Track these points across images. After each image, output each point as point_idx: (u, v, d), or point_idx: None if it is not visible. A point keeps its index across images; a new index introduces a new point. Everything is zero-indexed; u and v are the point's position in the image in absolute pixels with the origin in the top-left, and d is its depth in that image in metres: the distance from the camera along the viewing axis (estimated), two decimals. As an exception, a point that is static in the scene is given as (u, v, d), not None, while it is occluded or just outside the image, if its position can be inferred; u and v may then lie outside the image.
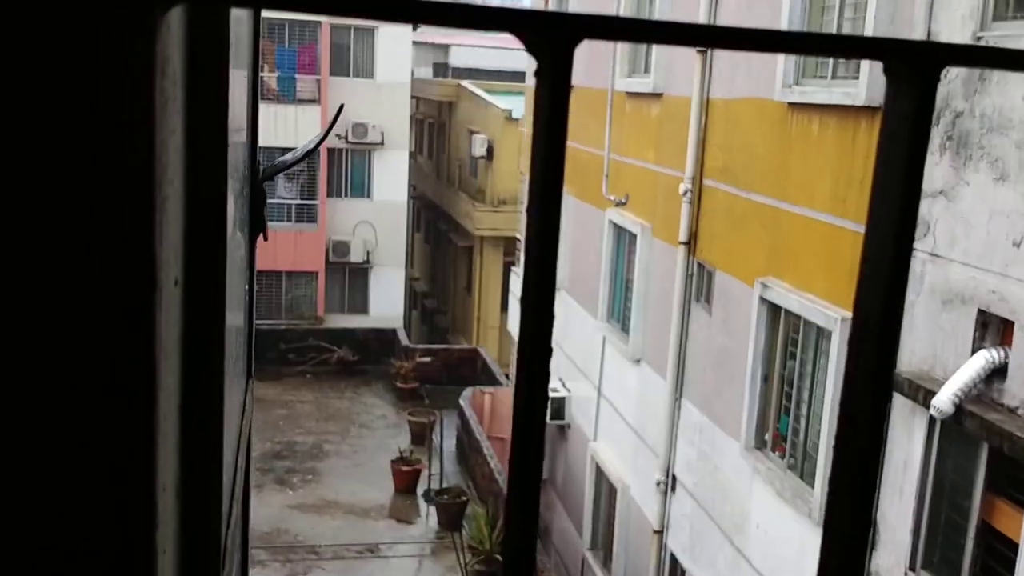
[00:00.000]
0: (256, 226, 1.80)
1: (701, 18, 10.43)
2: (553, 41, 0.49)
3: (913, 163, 0.56)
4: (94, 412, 0.46)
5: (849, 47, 0.55)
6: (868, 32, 7.56)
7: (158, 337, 0.49)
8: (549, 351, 0.53)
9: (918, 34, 6.97)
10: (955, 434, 6.58)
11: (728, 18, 10.11)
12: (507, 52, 36.27)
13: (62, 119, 0.44)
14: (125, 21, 0.43)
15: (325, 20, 25.73)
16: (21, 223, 0.45)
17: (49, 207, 0.45)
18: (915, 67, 0.55)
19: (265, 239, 1.91)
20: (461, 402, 19.86)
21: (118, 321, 0.46)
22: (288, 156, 2.91)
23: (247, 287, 1.87)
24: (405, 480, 18.12)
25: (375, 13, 0.48)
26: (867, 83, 7.49)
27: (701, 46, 0.53)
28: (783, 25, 8.78)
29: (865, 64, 7.56)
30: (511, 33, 0.51)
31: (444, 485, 17.61)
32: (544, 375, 0.52)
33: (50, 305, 0.45)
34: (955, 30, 6.64)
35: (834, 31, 8.33)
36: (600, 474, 13.54)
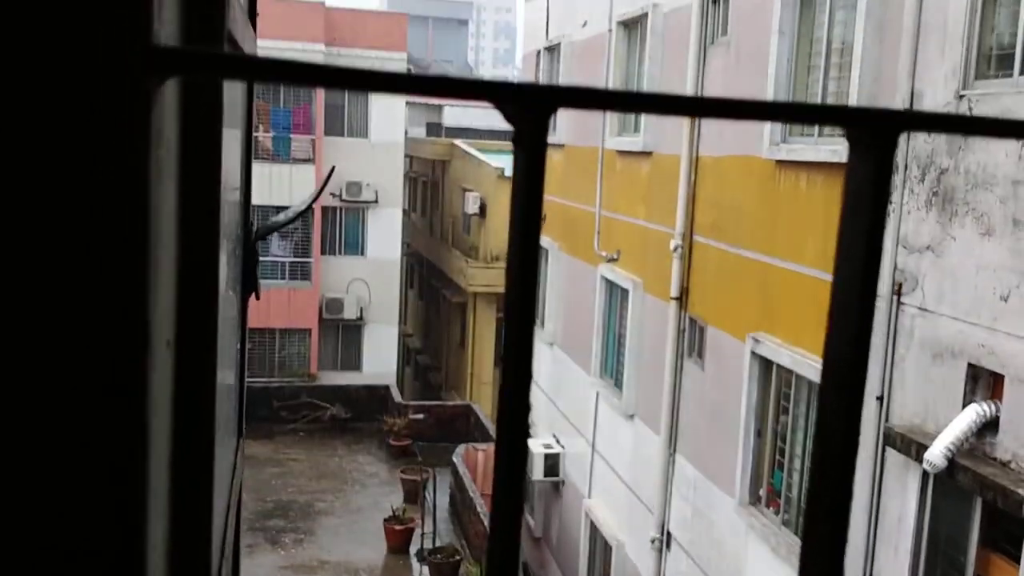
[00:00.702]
0: (249, 285, 1.82)
1: (689, 76, 10.61)
2: (529, 110, 0.51)
3: (874, 224, 0.59)
4: (80, 471, 0.48)
5: (811, 114, 0.58)
6: (853, 91, 7.70)
7: (148, 399, 0.50)
8: (528, 408, 0.55)
9: (902, 93, 7.10)
10: (949, 488, 6.55)
11: (716, 78, 10.29)
12: (499, 112, 36.77)
13: (56, 188, 0.46)
14: (121, 94, 0.46)
15: (319, 80, 26.04)
16: (13, 287, 0.47)
17: (42, 273, 0.47)
18: (874, 133, 0.57)
19: (257, 298, 1.93)
20: (454, 459, 19.71)
21: (108, 384, 0.48)
22: (281, 216, 2.95)
23: (239, 346, 1.88)
24: (398, 539, 17.89)
25: (360, 86, 0.51)
26: (853, 140, 7.59)
27: (671, 114, 0.55)
28: (770, 84, 8.93)
29: (851, 122, 7.67)
30: (489, 103, 0.53)
31: (437, 544, 17.39)
32: (524, 432, 0.54)
33: (43, 367, 0.47)
34: (938, 89, 6.76)
35: (819, 90, 8.47)
36: (595, 531, 13.40)
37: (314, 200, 2.91)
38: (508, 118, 0.54)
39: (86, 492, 0.49)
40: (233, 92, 1.69)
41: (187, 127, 0.70)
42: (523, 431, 0.56)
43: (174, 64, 0.49)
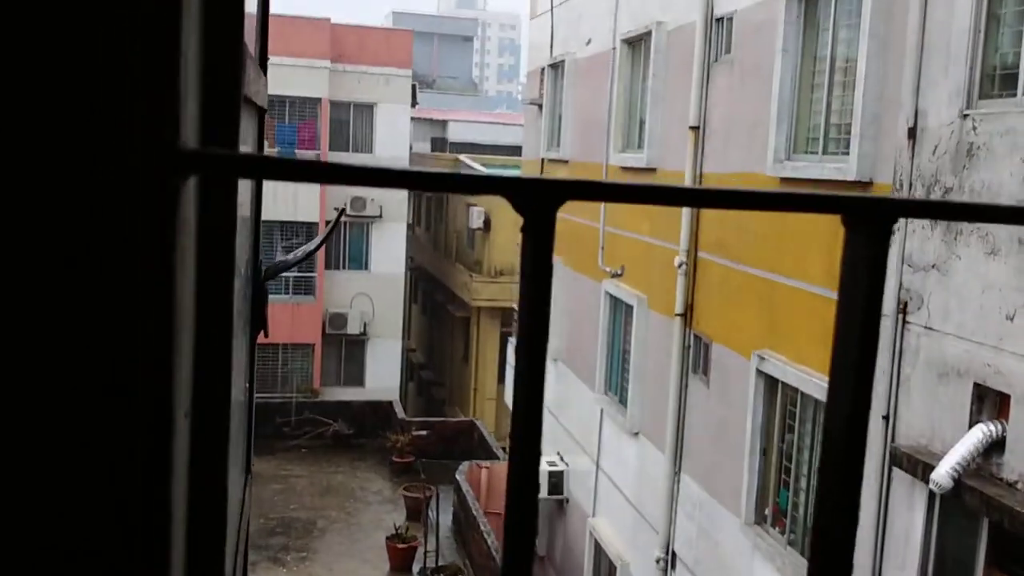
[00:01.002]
0: (257, 324, 1.84)
1: (692, 94, 10.65)
2: (537, 203, 0.53)
3: (870, 305, 0.60)
4: (103, 552, 0.49)
5: (807, 203, 0.60)
6: (856, 110, 7.72)
7: (174, 472, 0.52)
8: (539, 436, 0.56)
9: (906, 112, 7.12)
10: (955, 508, 6.54)
11: (720, 96, 10.33)
12: (503, 127, 36.81)
13: (88, 282, 0.48)
14: (149, 194, 0.48)
15: (325, 97, 26.17)
16: (45, 368, 0.49)
17: (76, 361, 0.49)
18: (870, 219, 0.59)
19: (266, 336, 1.95)
20: (457, 476, 19.67)
21: (136, 462, 0.50)
22: (290, 256, 2.98)
23: (247, 384, 1.91)
24: (401, 558, 17.84)
25: (377, 182, 0.52)
26: (857, 158, 7.62)
27: (674, 205, 0.57)
28: (773, 103, 8.96)
29: (855, 139, 7.71)
30: (500, 195, 0.55)
31: (440, 563, 17.34)
32: (536, 460, 0.55)
33: (81, 447, 0.49)
34: (942, 108, 6.78)
35: (823, 109, 8.50)
36: (599, 550, 13.36)
37: (322, 243, 2.94)
38: (518, 209, 0.56)
39: (108, 567, 0.51)
40: (249, 128, 1.71)
41: (206, 215, 0.73)
42: (535, 457, 0.58)
43: (197, 165, 0.51)
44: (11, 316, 0.47)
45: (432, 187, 0.54)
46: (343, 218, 26.83)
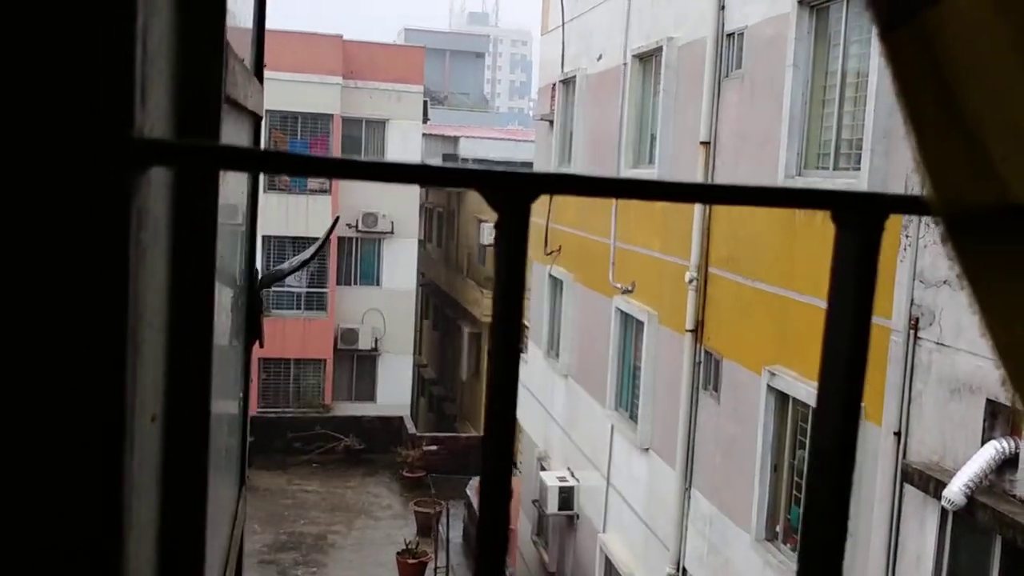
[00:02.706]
0: (252, 334, 1.83)
1: (704, 109, 10.64)
2: (511, 197, 0.52)
3: (861, 300, 0.58)
4: (54, 555, 0.48)
5: (797, 198, 0.58)
6: (868, 123, 7.69)
7: (126, 476, 0.50)
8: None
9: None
10: (968, 526, 6.46)
11: (731, 111, 10.31)
12: (515, 143, 36.88)
13: (34, 271, 0.46)
14: (100, 185, 0.46)
15: (337, 113, 26.28)
16: None
17: (22, 355, 0.47)
18: (861, 215, 0.57)
19: (261, 346, 1.94)
20: (468, 492, 19.62)
21: (85, 464, 0.48)
22: (285, 265, 2.98)
23: (241, 395, 1.89)
24: (411, 573, 17.78)
25: (357, 175, 0.51)
26: (868, 173, 7.59)
27: (655, 199, 0.55)
28: (784, 117, 8.94)
29: (867, 154, 7.68)
30: (475, 189, 0.53)
31: (451, 578, 17.27)
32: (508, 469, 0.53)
33: (20, 443, 0.47)
34: (952, 123, 6.74)
35: (834, 123, 8.47)
36: (609, 566, 13.27)
37: (317, 251, 2.94)
38: (492, 205, 0.54)
39: (61, 568, 0.49)
40: (240, 133, 1.69)
41: (180, 209, 0.71)
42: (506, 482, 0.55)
43: (155, 156, 0.49)
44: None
45: (403, 179, 0.52)
46: (355, 233, 26.92)
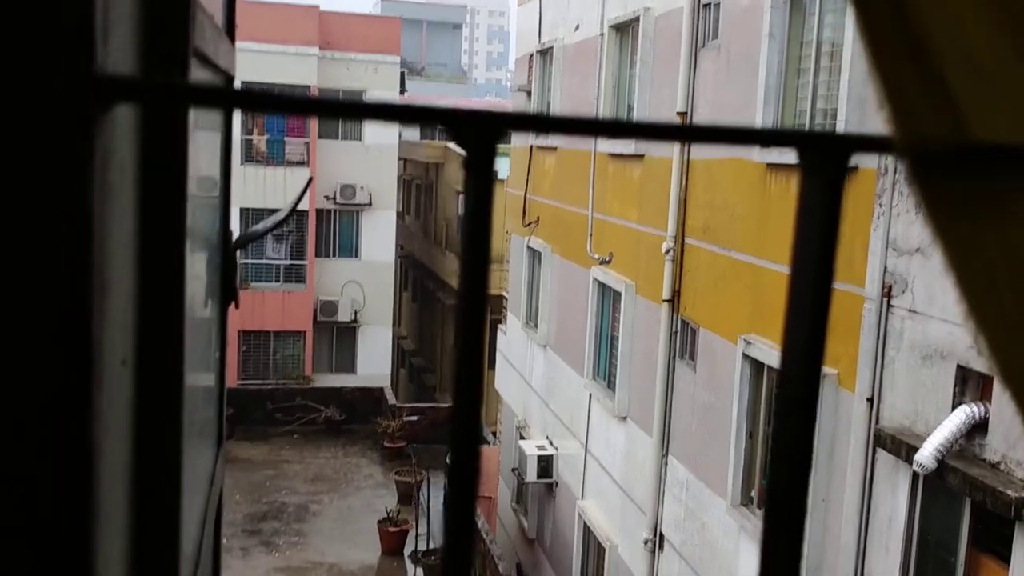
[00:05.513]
0: (227, 294, 1.83)
1: (680, 80, 10.63)
2: (478, 134, 0.52)
3: (825, 244, 0.59)
4: (22, 500, 0.48)
5: (762, 138, 0.59)
6: (843, 93, 7.72)
7: (96, 417, 0.50)
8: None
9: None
10: (939, 490, 6.58)
11: (707, 81, 10.31)
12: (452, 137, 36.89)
13: None
14: (60, 122, 0.46)
15: (314, 84, 26.04)
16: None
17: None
18: (825, 157, 0.58)
19: (236, 307, 1.94)
20: (448, 461, 19.69)
21: (53, 404, 0.48)
22: (259, 226, 2.96)
23: (218, 353, 1.89)
24: (392, 541, 17.90)
25: (320, 113, 0.51)
26: (843, 143, 7.61)
27: (617, 137, 0.56)
28: (760, 87, 8.95)
29: (841, 124, 7.71)
30: (441, 127, 0.54)
31: (431, 546, 17.40)
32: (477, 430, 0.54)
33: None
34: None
35: (809, 93, 8.50)
36: (588, 532, 13.41)
37: (291, 210, 2.92)
38: (458, 142, 0.54)
39: (28, 518, 0.49)
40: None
41: (149, 147, 0.71)
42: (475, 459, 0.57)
43: (118, 92, 0.49)
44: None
45: (367, 116, 0.52)
46: (333, 206, 26.78)
